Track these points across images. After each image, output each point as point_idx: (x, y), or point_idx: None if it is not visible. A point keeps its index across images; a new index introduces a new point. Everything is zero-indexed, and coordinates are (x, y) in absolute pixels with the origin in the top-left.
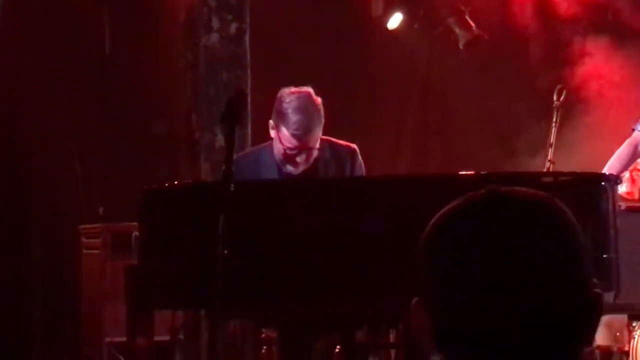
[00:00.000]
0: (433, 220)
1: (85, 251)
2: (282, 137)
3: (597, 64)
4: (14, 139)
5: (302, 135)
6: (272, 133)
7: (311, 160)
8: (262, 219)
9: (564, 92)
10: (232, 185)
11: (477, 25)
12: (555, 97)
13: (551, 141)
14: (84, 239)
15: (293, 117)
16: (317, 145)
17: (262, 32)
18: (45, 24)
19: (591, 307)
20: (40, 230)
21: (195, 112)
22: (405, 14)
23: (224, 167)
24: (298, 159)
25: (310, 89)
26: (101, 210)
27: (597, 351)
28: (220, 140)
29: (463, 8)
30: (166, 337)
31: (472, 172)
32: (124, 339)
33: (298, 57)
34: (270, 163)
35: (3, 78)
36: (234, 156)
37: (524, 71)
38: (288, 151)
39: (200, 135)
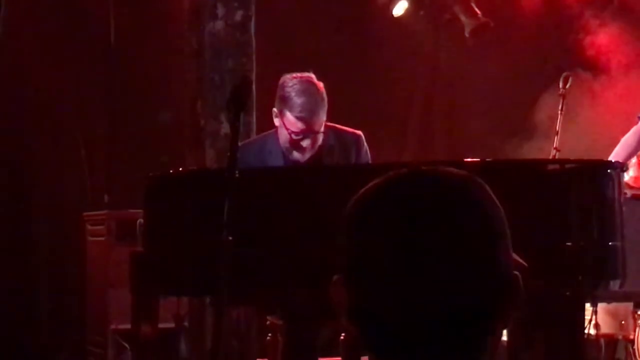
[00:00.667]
0: (354, 197)
1: (90, 238)
2: (286, 122)
3: (605, 48)
4: (19, 126)
5: (307, 117)
6: (277, 121)
7: (317, 145)
8: (267, 205)
9: (570, 79)
10: (237, 172)
11: (483, 13)
12: (561, 85)
13: (557, 128)
14: (88, 226)
15: (297, 100)
16: (322, 129)
17: (267, 20)
18: (51, 13)
19: (506, 289)
20: (45, 217)
21: (200, 99)
22: (411, 1)
23: (228, 154)
24: (304, 144)
25: (312, 74)
26: (106, 197)
27: (602, 339)
28: (225, 128)
29: None
30: (171, 324)
31: (477, 159)
32: (128, 326)
33: (303, 45)
34: (275, 151)
35: (8, 66)
36: (239, 143)
37: (531, 58)
38: (294, 136)
39: (205, 122)
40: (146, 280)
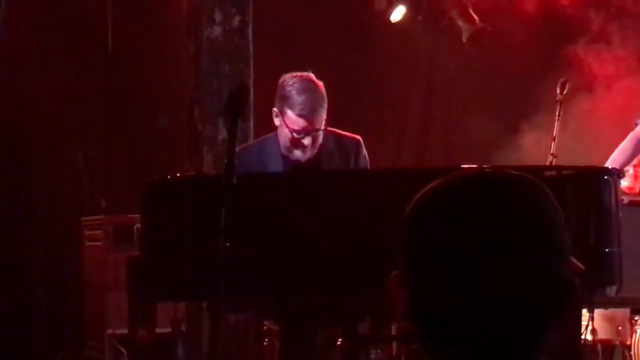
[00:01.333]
0: (418, 194)
1: (87, 243)
2: (287, 121)
3: (602, 54)
4: (17, 131)
5: (308, 114)
6: (277, 121)
7: (317, 144)
8: (264, 211)
9: (567, 85)
10: (235, 177)
11: (481, 18)
12: (558, 91)
13: (554, 134)
14: (86, 231)
15: (298, 98)
16: (322, 127)
17: (265, 25)
18: (49, 17)
19: (563, 291)
20: (42, 221)
21: (198, 104)
22: (409, 6)
23: (226, 160)
24: (305, 142)
25: (311, 73)
26: (103, 202)
27: (598, 345)
28: (222, 133)
29: (466, 1)
30: (168, 329)
31: (474, 166)
32: (126, 330)
33: (300, 50)
34: (275, 153)
35: (7, 72)
36: (238, 148)
37: (528, 64)
38: (295, 134)
39: (202, 127)
40: (143, 285)
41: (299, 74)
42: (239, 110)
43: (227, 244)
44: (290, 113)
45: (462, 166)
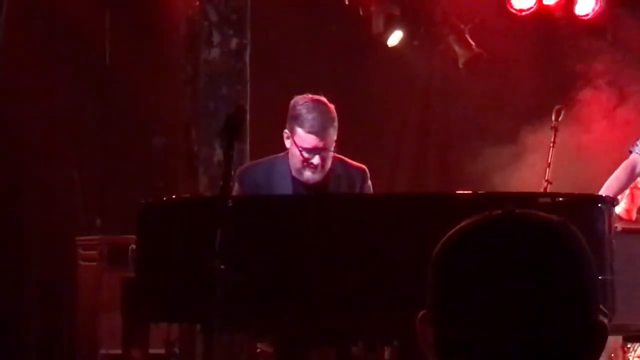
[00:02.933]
0: (449, 234)
1: (81, 263)
2: (297, 140)
3: (597, 82)
4: (13, 149)
5: (318, 132)
6: (288, 143)
7: (327, 166)
8: (259, 233)
9: (562, 112)
10: (230, 200)
11: (477, 44)
12: (553, 117)
13: (549, 161)
14: (80, 251)
15: (308, 116)
16: (332, 148)
17: (262, 48)
18: (47, 36)
19: (594, 334)
20: (36, 241)
21: (195, 126)
22: (406, 31)
23: (222, 182)
24: (314, 161)
25: (322, 97)
26: (98, 222)
27: None
28: (219, 155)
29: (463, 26)
30: (161, 350)
31: (469, 192)
32: (119, 351)
33: (298, 73)
34: (284, 173)
35: (3, 88)
36: (246, 164)
37: (523, 90)
38: (305, 153)
39: (199, 149)
40: (137, 306)
41: (310, 95)
42: (236, 133)
43: (222, 266)
44: (300, 131)
45: (458, 192)
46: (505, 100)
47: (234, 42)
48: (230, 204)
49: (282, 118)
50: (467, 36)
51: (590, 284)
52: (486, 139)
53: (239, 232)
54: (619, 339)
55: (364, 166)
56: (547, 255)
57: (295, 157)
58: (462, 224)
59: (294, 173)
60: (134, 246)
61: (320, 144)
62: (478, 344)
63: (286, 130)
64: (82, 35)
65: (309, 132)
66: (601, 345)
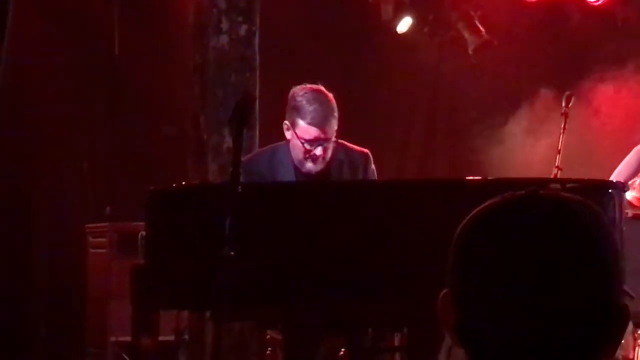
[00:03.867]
0: (471, 214)
1: (91, 250)
2: (299, 131)
3: (607, 69)
4: (22, 137)
5: (319, 124)
6: (288, 134)
7: (328, 155)
8: (268, 221)
9: (573, 98)
10: (239, 187)
11: (487, 30)
12: (563, 103)
13: (559, 147)
14: (90, 238)
15: (309, 107)
16: (333, 138)
17: (271, 35)
18: (56, 25)
19: (616, 317)
20: (46, 228)
21: (204, 113)
22: (415, 18)
23: (231, 169)
24: (317, 152)
25: (320, 86)
26: (108, 209)
27: None
28: (228, 142)
29: (472, 13)
30: (171, 338)
31: (478, 178)
32: (129, 338)
33: (307, 60)
34: (286, 161)
35: (12, 77)
36: (251, 154)
37: (534, 76)
38: (306, 145)
39: (208, 136)
40: (147, 294)
41: (308, 85)
42: (245, 120)
43: (231, 253)
44: (301, 123)
45: (468, 178)
46: (515, 85)
47: (242, 29)
48: (239, 191)
49: None
50: (477, 22)
51: (613, 265)
52: (495, 125)
53: (248, 219)
54: (630, 325)
55: (366, 150)
56: (569, 236)
57: (296, 148)
58: (485, 204)
59: (296, 163)
60: (143, 233)
61: (322, 135)
62: (498, 327)
63: (286, 122)
64: (91, 24)
65: (311, 124)
66: (623, 327)
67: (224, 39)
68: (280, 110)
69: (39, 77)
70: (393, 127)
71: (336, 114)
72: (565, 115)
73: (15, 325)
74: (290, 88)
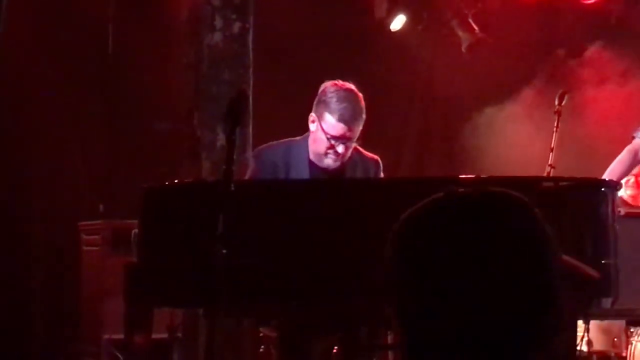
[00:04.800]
0: (397, 223)
1: (84, 248)
2: (325, 126)
3: (600, 67)
4: (16, 134)
5: (348, 121)
6: (312, 126)
7: (348, 154)
8: (261, 218)
9: (566, 96)
10: (232, 184)
11: (480, 28)
12: (556, 102)
13: (552, 145)
14: (83, 236)
15: (339, 105)
16: (356, 138)
17: (265, 32)
18: (49, 22)
19: (551, 307)
20: (40, 226)
21: (197, 110)
22: (409, 15)
23: (224, 167)
24: (339, 149)
25: (352, 85)
26: (101, 207)
27: (594, 356)
28: (221, 139)
29: (466, 11)
30: (165, 335)
31: (472, 176)
32: (122, 336)
33: (300, 58)
34: (301, 157)
35: (6, 74)
36: (264, 145)
37: (528, 74)
38: (332, 140)
39: (201, 133)
40: (140, 291)
41: (340, 82)
42: (238, 117)
43: (224, 251)
44: (329, 118)
45: (461, 176)
46: (509, 83)
47: (236, 27)
48: (232, 188)
49: (285, 102)
50: (471, 20)
51: (542, 255)
52: (489, 123)
53: (241, 216)
54: (622, 323)
55: (377, 157)
56: (493, 234)
57: (319, 142)
58: (407, 212)
59: (312, 158)
60: (136, 231)
61: (348, 134)
62: (435, 321)
63: (313, 114)
64: (85, 21)
65: (339, 121)
66: (561, 317)
67: (218, 36)
68: (274, 107)
69: (32, 74)
70: (387, 125)
71: (364, 115)
72: (559, 113)
73: (9, 322)
74: (284, 85)
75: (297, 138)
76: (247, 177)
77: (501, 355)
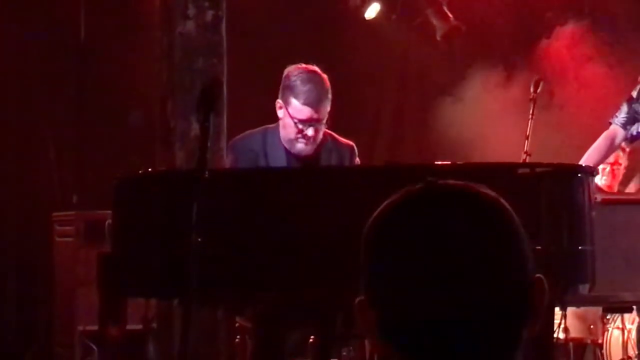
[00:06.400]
0: (372, 217)
1: (58, 239)
2: (292, 111)
3: (577, 53)
4: None
5: (313, 104)
6: (280, 113)
7: (319, 138)
8: (236, 207)
9: (541, 83)
10: (206, 173)
11: (455, 16)
12: (532, 89)
13: (527, 133)
14: (57, 227)
15: (303, 87)
16: (325, 120)
17: (238, 20)
18: (21, 10)
19: (533, 291)
20: (12, 217)
21: (171, 100)
22: (383, 4)
23: (198, 155)
24: (309, 132)
25: (316, 67)
26: (75, 197)
27: (570, 343)
28: (195, 129)
29: None
30: (139, 326)
31: (447, 163)
32: (96, 327)
33: (274, 46)
34: (276, 144)
35: None
36: (240, 135)
37: (502, 61)
38: (299, 125)
39: (175, 123)
40: (113, 282)
41: (303, 65)
42: (212, 105)
43: (199, 240)
44: (295, 102)
45: (437, 163)
46: (483, 71)
47: (209, 15)
48: (206, 177)
49: (259, 91)
50: (445, 9)
51: (519, 245)
52: (464, 111)
53: (215, 205)
54: (599, 310)
55: (352, 143)
56: (470, 223)
57: (288, 127)
58: (385, 202)
59: (285, 144)
60: (110, 221)
61: (315, 116)
62: (416, 323)
63: (279, 100)
64: (56, 9)
65: (305, 104)
66: (540, 301)
67: (191, 24)
68: (248, 96)
69: (4, 64)
70: (362, 113)
71: (330, 96)
72: (534, 100)
73: None
74: (258, 74)
75: (271, 126)
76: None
77: (488, 344)
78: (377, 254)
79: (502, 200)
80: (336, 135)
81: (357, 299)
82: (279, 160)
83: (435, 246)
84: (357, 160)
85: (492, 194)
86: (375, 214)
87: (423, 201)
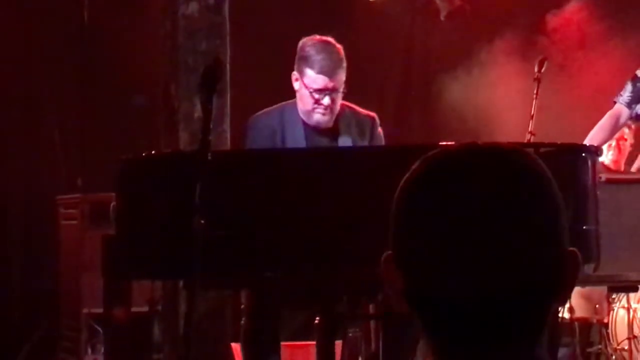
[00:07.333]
0: (408, 174)
1: (63, 222)
2: (307, 81)
3: (580, 33)
4: None
5: (328, 72)
6: (296, 85)
7: (336, 108)
8: (240, 188)
9: (546, 63)
10: (210, 154)
11: None
12: (536, 68)
13: (532, 112)
14: (62, 210)
15: (317, 57)
16: (342, 89)
17: (241, 2)
18: None
19: (566, 264)
20: (18, 200)
21: (174, 81)
22: None
23: (201, 136)
24: (325, 102)
25: (330, 38)
26: (79, 180)
27: (576, 323)
28: (198, 111)
29: None
30: (145, 309)
31: (454, 143)
32: (102, 310)
33: (278, 27)
34: (295, 119)
35: None
36: (258, 112)
37: (507, 40)
38: (315, 94)
39: (178, 105)
40: (118, 264)
41: (317, 37)
42: (214, 86)
43: (203, 221)
44: (310, 72)
45: (441, 143)
46: (488, 52)
47: None
48: (209, 158)
49: (263, 72)
50: None
51: (560, 211)
52: (468, 91)
53: (219, 187)
54: (604, 289)
55: (373, 114)
56: (509, 187)
57: (304, 98)
58: (417, 164)
59: (302, 116)
60: (115, 203)
61: (330, 85)
62: (447, 284)
63: (295, 72)
64: None
65: (319, 73)
66: (574, 275)
67: (194, 6)
68: (251, 77)
69: (7, 48)
70: (367, 94)
71: (344, 65)
72: (538, 80)
73: None
74: (261, 55)
75: (288, 102)
76: (245, 147)
77: (516, 316)
78: (409, 216)
79: (544, 166)
80: (355, 107)
81: (385, 253)
82: (297, 135)
83: (469, 210)
84: (380, 130)
85: (537, 159)
86: (408, 174)
87: (461, 160)
